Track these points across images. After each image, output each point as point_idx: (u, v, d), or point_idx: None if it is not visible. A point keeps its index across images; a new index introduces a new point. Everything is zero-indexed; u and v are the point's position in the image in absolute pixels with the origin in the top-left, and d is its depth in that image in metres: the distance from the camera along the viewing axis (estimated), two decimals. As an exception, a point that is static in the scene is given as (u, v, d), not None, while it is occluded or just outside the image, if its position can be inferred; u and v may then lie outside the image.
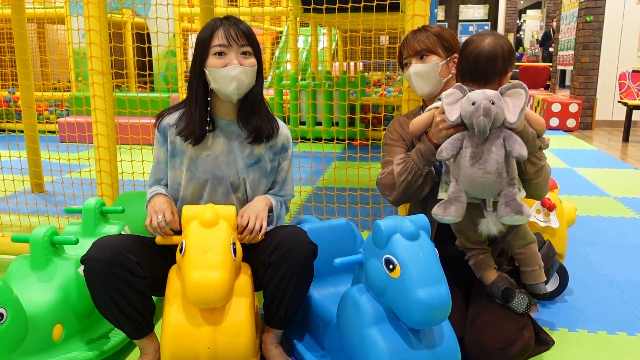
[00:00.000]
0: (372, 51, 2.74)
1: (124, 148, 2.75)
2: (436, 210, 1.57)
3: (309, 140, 3.83)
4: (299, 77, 6.01)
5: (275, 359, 1.66)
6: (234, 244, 1.53)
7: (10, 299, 1.48)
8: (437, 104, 1.65)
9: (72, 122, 3.94)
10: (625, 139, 6.35)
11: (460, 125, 1.55)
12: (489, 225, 1.59)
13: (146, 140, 3.18)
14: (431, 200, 1.75)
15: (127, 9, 6.70)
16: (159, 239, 1.61)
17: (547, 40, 11.92)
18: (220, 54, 1.62)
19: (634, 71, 6.41)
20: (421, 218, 1.44)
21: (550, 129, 7.17)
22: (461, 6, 16.14)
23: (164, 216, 1.60)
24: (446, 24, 15.29)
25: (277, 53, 8.76)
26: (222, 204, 1.65)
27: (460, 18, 16.13)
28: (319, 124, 5.84)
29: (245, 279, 1.57)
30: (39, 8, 4.95)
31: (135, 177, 2.87)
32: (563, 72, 9.12)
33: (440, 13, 15.44)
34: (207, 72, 1.64)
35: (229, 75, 1.61)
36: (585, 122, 7.38)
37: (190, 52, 2.02)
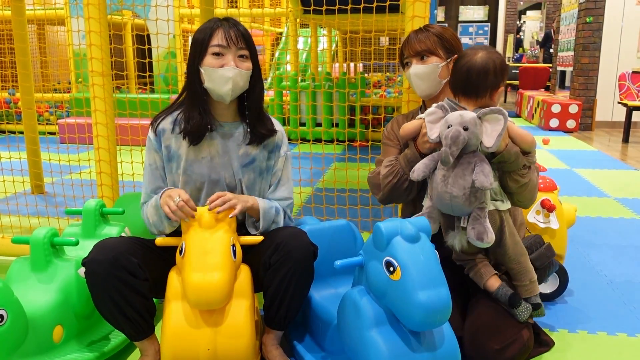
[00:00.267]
0: (372, 52, 2.74)
1: (124, 149, 2.75)
2: None
3: (308, 141, 3.82)
4: (299, 79, 6.01)
5: (276, 360, 1.66)
6: (233, 245, 1.53)
7: (10, 301, 1.48)
8: (427, 112, 1.65)
9: (72, 123, 3.94)
10: (625, 139, 6.35)
11: (440, 143, 1.56)
12: (454, 241, 1.61)
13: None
14: (421, 201, 1.76)
15: (127, 10, 6.71)
16: (159, 241, 1.60)
17: (548, 41, 11.89)
18: (218, 54, 1.62)
19: (633, 72, 6.41)
20: (422, 220, 1.45)
21: (550, 130, 7.18)
22: (461, 7, 16.14)
23: (180, 196, 1.55)
24: (446, 25, 15.26)
25: (277, 54, 8.75)
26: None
27: (460, 19, 16.14)
28: (319, 125, 5.83)
29: (245, 280, 1.57)
30: (39, 9, 4.95)
31: (136, 179, 2.87)
32: (563, 73, 9.13)
33: (440, 14, 15.44)
34: (202, 70, 1.64)
35: (225, 76, 1.61)
36: (585, 123, 7.38)
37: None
